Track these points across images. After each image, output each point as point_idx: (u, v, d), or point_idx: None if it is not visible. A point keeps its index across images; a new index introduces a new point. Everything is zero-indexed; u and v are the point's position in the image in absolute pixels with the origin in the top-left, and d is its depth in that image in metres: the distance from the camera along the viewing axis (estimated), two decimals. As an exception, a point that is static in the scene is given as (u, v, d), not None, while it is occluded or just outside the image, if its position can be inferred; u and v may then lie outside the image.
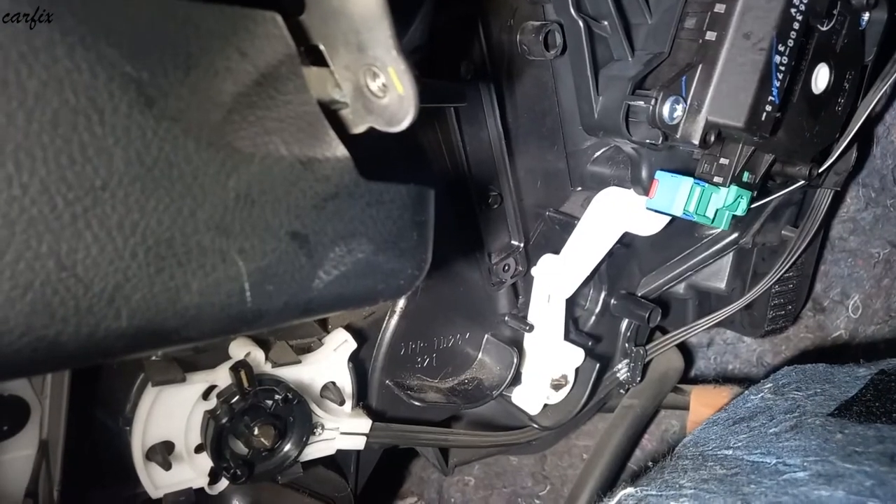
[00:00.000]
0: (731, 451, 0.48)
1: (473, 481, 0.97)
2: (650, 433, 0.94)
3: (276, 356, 0.54)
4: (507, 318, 0.68)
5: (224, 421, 0.50)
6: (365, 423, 0.59)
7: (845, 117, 0.60)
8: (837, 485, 0.38)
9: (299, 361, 0.55)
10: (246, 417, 0.51)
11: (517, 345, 0.68)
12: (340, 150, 0.36)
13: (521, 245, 0.66)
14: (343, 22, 0.35)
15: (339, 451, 0.59)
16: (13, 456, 0.52)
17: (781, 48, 0.49)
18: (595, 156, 0.67)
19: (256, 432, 0.51)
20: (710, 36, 0.50)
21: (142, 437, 0.49)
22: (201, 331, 0.34)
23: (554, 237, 0.68)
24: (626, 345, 0.75)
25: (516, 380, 0.69)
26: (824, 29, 0.54)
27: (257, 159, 0.34)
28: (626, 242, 0.69)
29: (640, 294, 0.75)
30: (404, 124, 0.34)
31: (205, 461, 0.52)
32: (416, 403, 0.63)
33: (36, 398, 0.52)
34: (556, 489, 0.95)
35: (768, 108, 0.50)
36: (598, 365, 0.70)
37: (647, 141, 0.52)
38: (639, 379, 0.76)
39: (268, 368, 0.53)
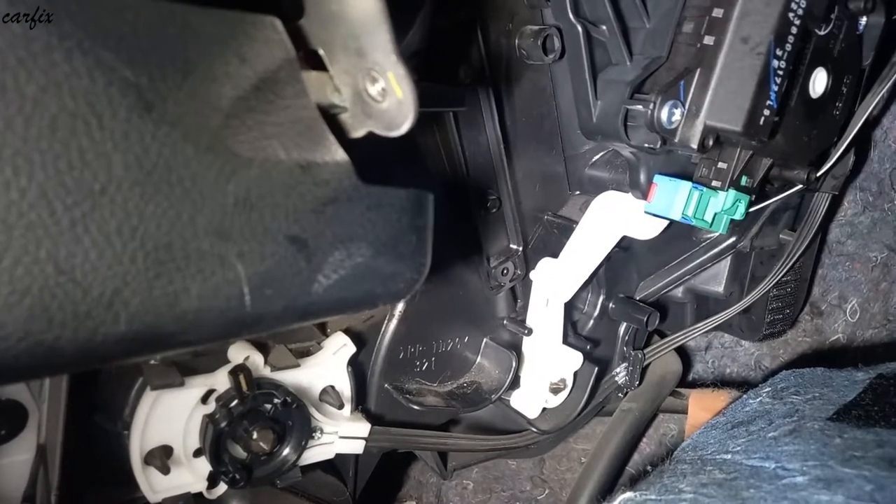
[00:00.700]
0: (729, 456, 0.48)
1: (472, 485, 0.97)
2: (648, 437, 0.94)
3: (275, 360, 0.54)
4: (505, 321, 0.68)
5: (223, 425, 0.50)
6: (364, 427, 0.59)
7: (843, 121, 0.60)
8: (837, 489, 0.38)
9: (298, 365, 0.55)
10: (245, 421, 0.51)
11: (516, 348, 0.68)
12: (340, 155, 0.36)
13: (520, 249, 0.66)
14: (342, 26, 0.35)
15: (337, 455, 0.59)
16: (11, 460, 0.51)
17: (779, 53, 0.49)
18: (593, 160, 0.67)
19: (255, 436, 0.51)
20: (709, 40, 0.50)
21: (140, 441, 0.49)
22: (200, 335, 0.34)
23: (552, 241, 0.68)
24: (625, 348, 0.75)
25: (515, 383, 0.69)
26: (822, 33, 0.54)
27: (256, 164, 0.34)
28: (625, 246, 0.69)
29: (638, 298, 0.75)
30: (403, 129, 0.34)
31: (203, 465, 0.52)
32: (415, 407, 0.63)
33: (34, 402, 0.52)
34: (555, 493, 0.95)
35: (766, 112, 0.50)
36: (596, 369, 0.70)
37: (646, 145, 0.52)
38: (637, 383, 0.76)
39: (267, 372, 0.53)
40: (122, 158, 0.30)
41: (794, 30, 0.50)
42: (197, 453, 0.51)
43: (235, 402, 0.50)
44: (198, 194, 0.32)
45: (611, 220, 0.63)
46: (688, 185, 0.54)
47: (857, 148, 0.72)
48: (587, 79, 0.54)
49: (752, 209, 0.60)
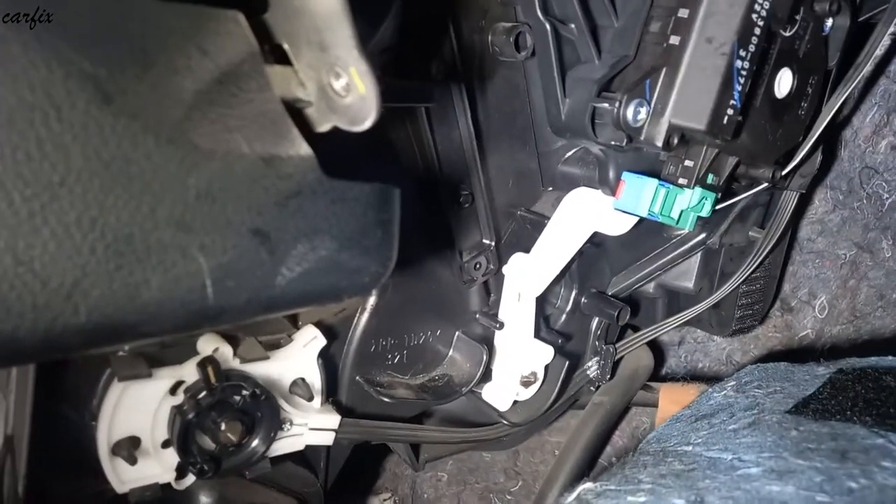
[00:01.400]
0: (690, 448, 0.49)
1: (446, 477, 0.98)
2: (621, 430, 0.96)
3: (245, 352, 0.54)
4: (478, 315, 0.69)
5: (190, 416, 0.50)
6: (334, 419, 0.60)
7: (809, 121, 0.61)
8: (788, 480, 0.39)
9: (268, 357, 0.55)
10: (213, 413, 0.52)
11: (488, 342, 0.69)
12: (304, 149, 0.36)
13: (493, 244, 0.67)
14: (305, 21, 0.35)
15: (308, 447, 0.60)
16: (-23, 451, 0.51)
17: (743, 53, 0.50)
18: (566, 156, 0.68)
19: (223, 428, 0.52)
20: (674, 40, 0.51)
21: (108, 431, 0.49)
22: (162, 327, 0.35)
23: (525, 236, 0.69)
24: (597, 343, 0.76)
25: (486, 377, 0.69)
26: (787, 34, 0.55)
27: (219, 156, 0.34)
28: (597, 242, 0.70)
29: (610, 293, 0.76)
30: (367, 124, 0.34)
31: (171, 456, 0.52)
32: (386, 400, 0.64)
33: (0, 393, 0.52)
34: (528, 485, 0.96)
35: (730, 111, 0.51)
36: (567, 362, 0.71)
37: (613, 142, 0.53)
38: (609, 376, 0.77)
39: (236, 364, 0.53)
40: (81, 150, 0.30)
41: (757, 31, 0.51)
42: (165, 444, 0.52)
43: (204, 393, 0.50)
44: (158, 186, 0.32)
45: (582, 216, 0.64)
46: (654, 182, 0.55)
47: (826, 147, 0.73)
48: (556, 76, 0.55)
49: (719, 207, 0.61)
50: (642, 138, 0.51)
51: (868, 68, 0.66)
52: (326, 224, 0.38)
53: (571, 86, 0.56)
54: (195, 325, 0.36)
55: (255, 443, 0.55)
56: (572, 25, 0.55)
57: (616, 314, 0.71)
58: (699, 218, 0.58)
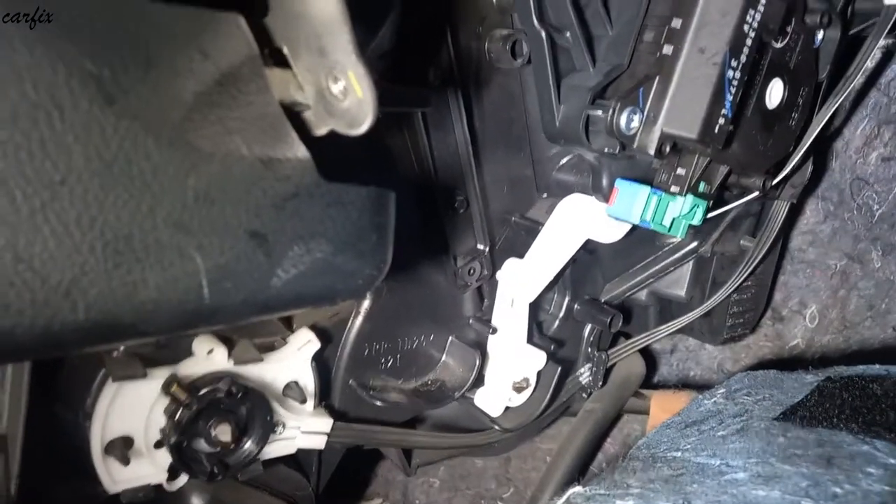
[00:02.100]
0: (679, 453, 0.49)
1: (438, 483, 0.98)
2: (613, 437, 0.96)
3: (239, 354, 0.54)
4: (471, 320, 0.69)
5: (182, 426, 0.50)
6: (326, 423, 0.60)
7: (799, 132, 0.62)
8: (774, 485, 0.40)
9: (261, 359, 0.55)
10: (201, 420, 0.52)
11: (481, 347, 0.69)
12: (301, 151, 0.36)
13: (487, 249, 0.67)
14: (305, 25, 0.36)
15: (301, 451, 0.60)
16: (-30, 450, 0.51)
17: (734, 63, 0.51)
18: (560, 164, 0.69)
19: (214, 432, 0.52)
20: (667, 49, 0.52)
21: (101, 431, 0.49)
22: (158, 326, 0.35)
23: (519, 242, 0.70)
24: (589, 349, 0.76)
25: (479, 382, 0.70)
26: (778, 46, 0.56)
27: (218, 158, 0.35)
28: (590, 249, 0.70)
29: (603, 300, 0.76)
30: (364, 128, 0.35)
31: (164, 457, 0.52)
32: (379, 404, 0.64)
33: (-6, 392, 0.52)
34: (520, 492, 0.96)
35: (721, 121, 0.52)
36: (559, 368, 0.71)
37: (606, 150, 0.54)
38: (600, 383, 0.78)
39: (230, 366, 0.54)
40: (83, 150, 0.30)
41: (749, 42, 0.52)
42: (157, 445, 0.52)
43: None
44: (158, 187, 0.33)
45: (575, 222, 0.64)
46: (647, 189, 0.56)
47: (817, 158, 0.74)
48: (551, 84, 0.55)
49: (711, 215, 0.62)
50: (635, 146, 0.52)
51: (858, 80, 0.67)
52: (322, 227, 0.39)
53: (566, 93, 0.57)
54: (191, 324, 0.36)
55: (247, 445, 0.55)
56: (568, 34, 0.55)
57: (608, 321, 0.71)
58: (691, 226, 0.59)
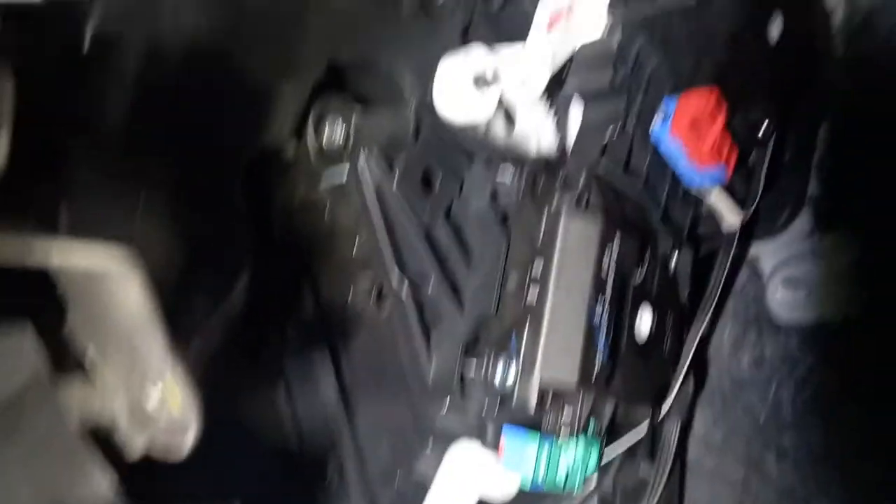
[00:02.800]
0: None
1: None
2: None
3: None
4: None
5: None
6: None
7: (675, 355, 0.62)
8: None
9: None
10: None
11: None
12: (103, 487, 0.29)
13: (369, 519, 0.59)
14: (111, 326, 0.30)
15: None
16: None
17: (601, 304, 0.50)
18: (444, 409, 0.64)
19: None
20: (533, 294, 0.50)
21: None
22: None
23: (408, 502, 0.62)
24: None
25: None
26: (638, 277, 0.57)
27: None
28: None
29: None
30: (183, 453, 0.28)
31: None
32: None
33: None
34: None
35: (598, 361, 0.50)
36: None
37: (485, 407, 0.50)
38: None
39: None
40: None
41: (611, 280, 0.51)
42: None
43: None
44: None
45: (464, 479, 0.58)
46: (535, 440, 0.51)
47: (696, 371, 0.73)
48: (419, 338, 0.52)
49: (605, 454, 0.58)
50: (514, 402, 0.48)
51: (717, 294, 0.69)
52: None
53: (437, 343, 0.53)
54: None
55: None
56: (430, 283, 0.53)
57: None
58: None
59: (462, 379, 0.51)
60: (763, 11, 0.62)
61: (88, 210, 0.42)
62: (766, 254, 0.87)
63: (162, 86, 0.43)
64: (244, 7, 0.36)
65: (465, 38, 0.58)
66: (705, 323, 0.64)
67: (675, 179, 0.61)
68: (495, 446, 0.56)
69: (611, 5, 0.56)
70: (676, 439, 0.72)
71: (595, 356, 0.50)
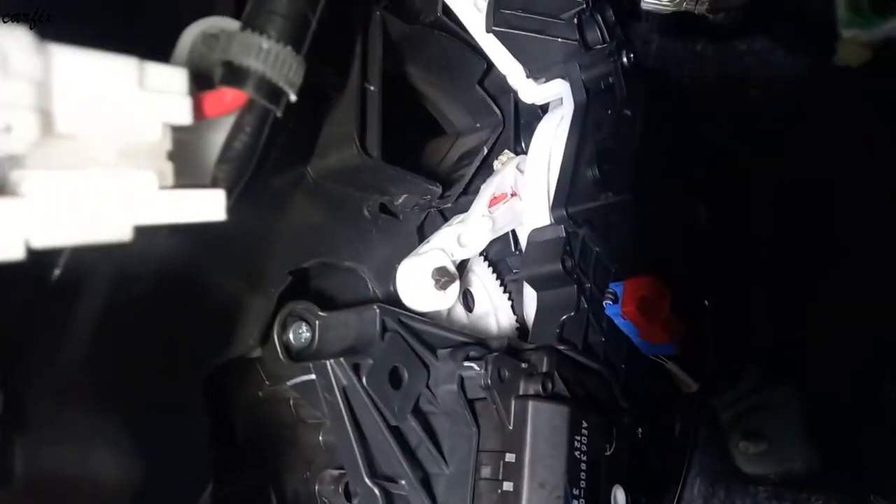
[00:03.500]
0: None
1: None
2: None
3: None
4: None
5: None
6: None
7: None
8: None
9: None
10: None
11: None
12: None
13: None
14: None
15: None
16: None
17: (576, 492, 0.50)
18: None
19: None
20: (508, 486, 0.50)
21: None
22: None
23: None
24: None
25: None
26: (609, 454, 0.57)
27: None
28: None
29: None
30: None
31: None
32: None
33: None
34: None
35: (579, 553, 0.49)
36: None
37: None
38: None
39: None
40: None
41: (584, 466, 0.51)
42: None
43: None
44: None
45: None
46: None
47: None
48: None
49: None
50: None
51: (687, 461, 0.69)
52: None
53: (411, 543, 0.51)
54: None
55: None
56: (402, 482, 0.52)
57: None
58: None
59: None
60: (690, 200, 0.68)
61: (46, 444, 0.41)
62: (722, 407, 0.89)
63: (128, 309, 0.43)
64: (211, 231, 0.37)
65: (421, 233, 0.61)
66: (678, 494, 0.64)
67: (632, 350, 0.63)
68: None
69: (555, 199, 0.60)
70: None
71: (575, 548, 0.49)
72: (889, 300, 0.72)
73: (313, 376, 0.53)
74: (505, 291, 0.69)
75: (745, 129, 0.75)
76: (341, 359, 0.50)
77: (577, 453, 0.51)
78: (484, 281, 0.68)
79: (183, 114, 0.33)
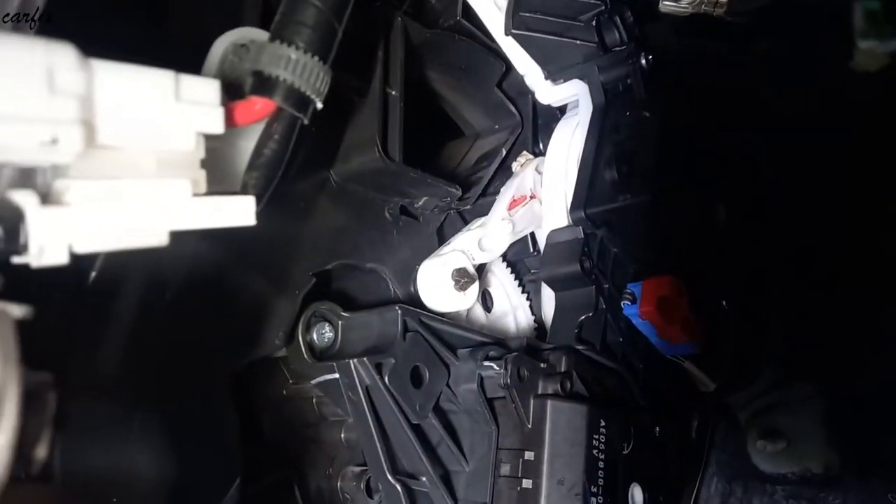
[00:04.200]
0: None
1: None
2: None
3: None
4: None
5: None
6: None
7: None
8: None
9: None
10: None
11: None
12: None
13: None
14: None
15: None
16: None
17: (594, 489, 0.51)
18: None
19: None
20: (527, 483, 0.51)
21: None
22: None
23: None
24: None
25: None
26: (626, 452, 0.57)
27: None
28: None
29: None
30: None
31: None
32: None
33: None
34: None
35: (598, 550, 0.50)
36: None
37: None
38: None
39: None
40: None
41: (601, 464, 0.52)
42: None
43: None
44: None
45: None
46: None
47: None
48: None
49: None
50: None
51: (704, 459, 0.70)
52: None
53: (433, 541, 0.53)
54: None
55: None
56: (423, 478, 0.53)
57: None
58: None
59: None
60: (708, 201, 0.69)
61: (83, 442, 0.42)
62: (739, 405, 0.89)
63: (160, 310, 0.45)
64: (238, 235, 0.39)
65: (441, 235, 0.63)
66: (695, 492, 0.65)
67: (650, 350, 0.64)
68: None
69: (574, 200, 0.61)
70: None
71: (593, 545, 0.50)
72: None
73: (336, 375, 0.55)
74: (523, 292, 0.70)
75: (762, 130, 0.75)
76: (364, 358, 0.52)
77: (595, 452, 0.52)
78: (503, 281, 0.69)
79: (216, 123, 0.34)
